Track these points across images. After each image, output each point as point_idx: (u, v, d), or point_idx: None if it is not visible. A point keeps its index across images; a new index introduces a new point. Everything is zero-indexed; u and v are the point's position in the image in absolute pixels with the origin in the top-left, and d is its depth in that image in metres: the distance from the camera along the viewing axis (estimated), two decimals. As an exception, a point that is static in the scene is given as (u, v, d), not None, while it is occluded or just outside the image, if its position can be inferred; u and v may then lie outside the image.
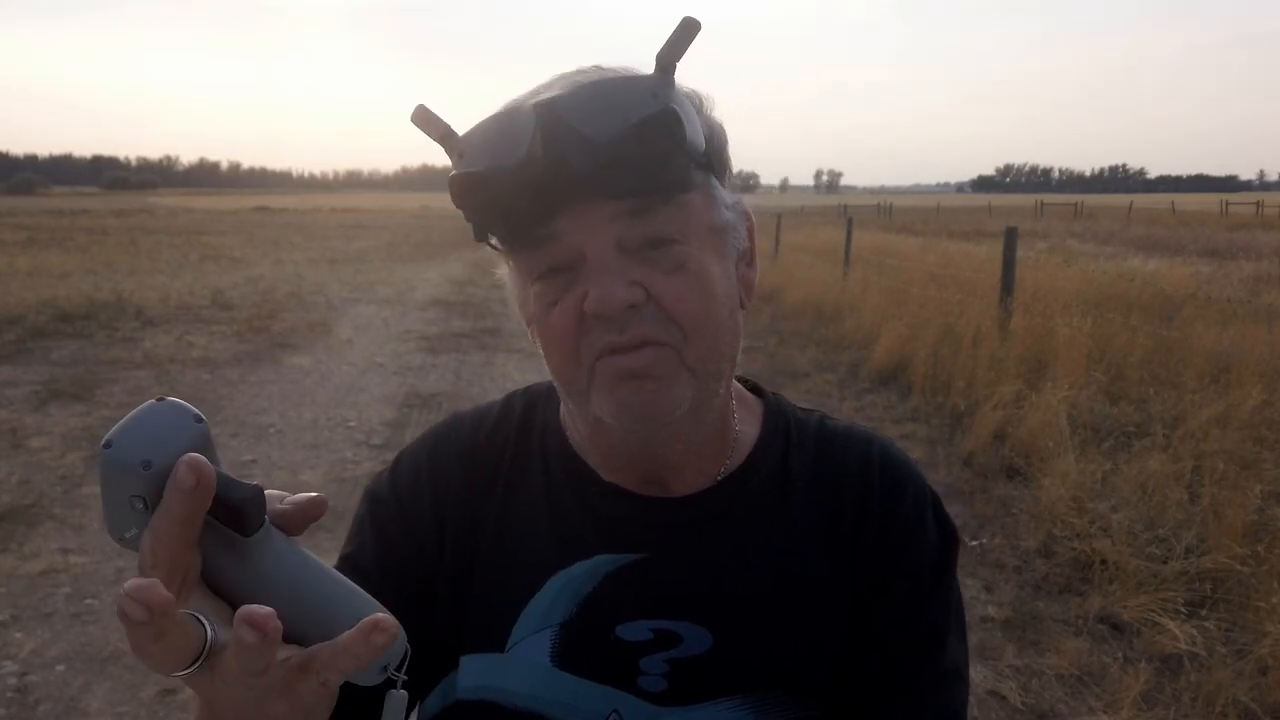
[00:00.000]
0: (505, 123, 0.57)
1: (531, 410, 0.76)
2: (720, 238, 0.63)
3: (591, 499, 0.69)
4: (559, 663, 0.66)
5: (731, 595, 0.66)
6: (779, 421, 0.75)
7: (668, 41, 0.56)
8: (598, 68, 0.61)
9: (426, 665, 0.68)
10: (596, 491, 0.69)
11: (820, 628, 0.67)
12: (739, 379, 0.76)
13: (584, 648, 0.66)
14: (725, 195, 0.64)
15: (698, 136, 0.58)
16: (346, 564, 0.71)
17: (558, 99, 0.55)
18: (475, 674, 0.67)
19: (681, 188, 0.58)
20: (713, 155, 0.61)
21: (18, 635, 3.22)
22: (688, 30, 0.56)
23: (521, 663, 0.66)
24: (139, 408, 0.42)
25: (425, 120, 0.59)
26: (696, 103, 0.61)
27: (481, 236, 0.61)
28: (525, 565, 0.68)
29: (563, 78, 0.61)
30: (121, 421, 0.42)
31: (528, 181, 0.55)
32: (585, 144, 0.54)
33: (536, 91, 0.61)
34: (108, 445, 0.41)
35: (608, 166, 0.54)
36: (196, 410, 0.43)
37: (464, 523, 0.70)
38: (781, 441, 0.73)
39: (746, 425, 0.73)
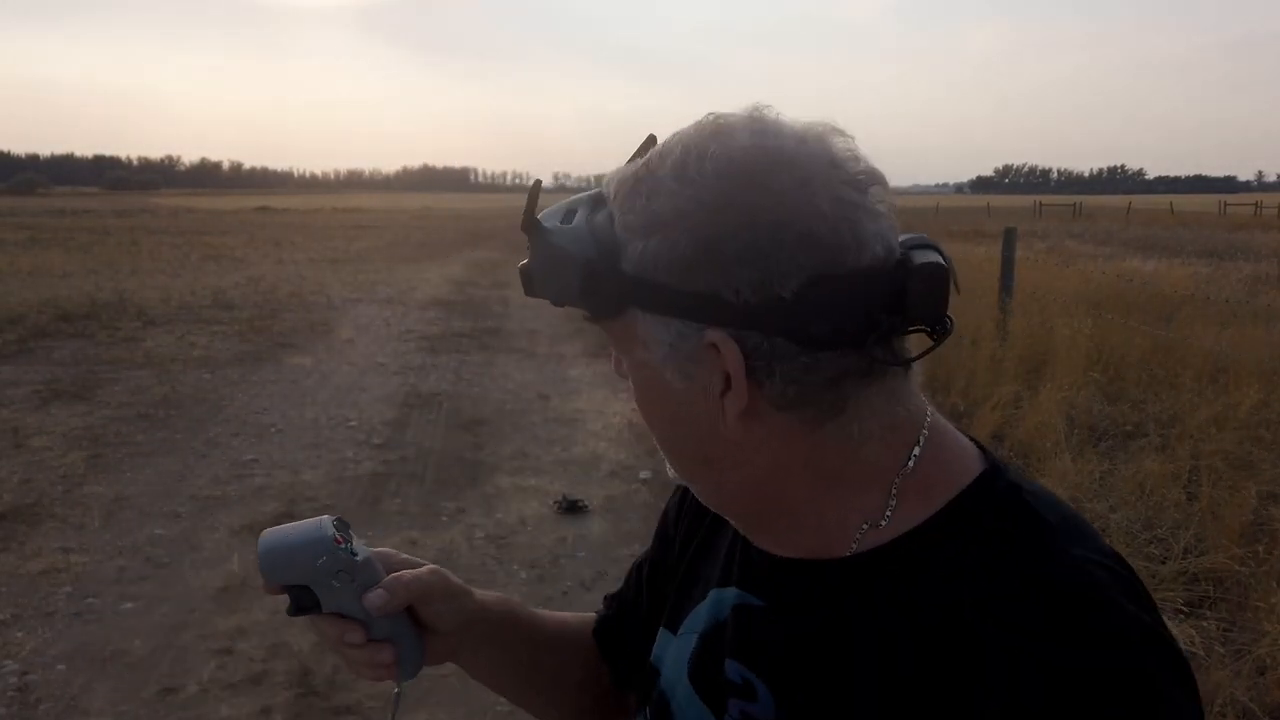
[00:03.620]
0: None
1: None
2: (653, 372, 0.58)
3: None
4: (688, 669, 0.70)
5: (810, 679, 0.60)
6: (964, 519, 0.57)
7: (529, 205, 0.59)
8: (654, 143, 0.60)
9: (649, 634, 0.78)
10: None
11: None
12: (983, 448, 0.64)
13: (704, 665, 0.69)
14: (661, 329, 0.56)
15: (564, 288, 0.58)
16: (643, 558, 0.87)
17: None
18: (659, 644, 0.75)
19: (595, 316, 0.59)
20: (634, 287, 0.55)
21: (19, 634, 3.23)
22: (535, 190, 0.59)
23: (677, 650, 0.72)
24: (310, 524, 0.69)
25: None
26: (626, 230, 0.56)
27: None
28: (705, 574, 0.73)
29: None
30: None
31: None
32: (520, 270, 0.60)
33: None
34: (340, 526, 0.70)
35: (532, 295, 0.61)
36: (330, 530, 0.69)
37: (690, 530, 0.78)
38: (946, 544, 0.57)
39: (907, 510, 0.58)
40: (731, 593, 0.68)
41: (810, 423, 0.56)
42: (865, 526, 0.59)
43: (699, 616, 0.71)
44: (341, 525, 0.69)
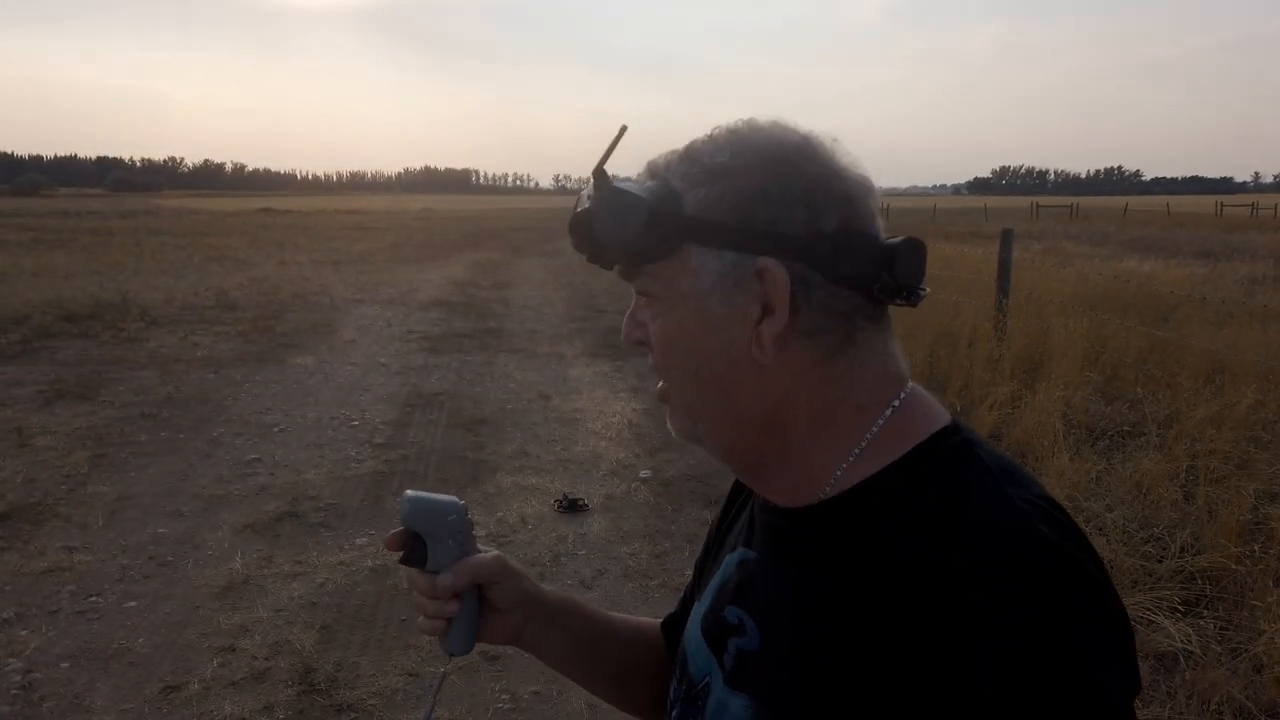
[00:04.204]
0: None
1: None
2: (697, 302, 0.66)
3: (753, 499, 0.78)
4: (702, 625, 0.78)
5: (788, 610, 0.68)
6: (921, 467, 0.65)
7: (605, 151, 0.68)
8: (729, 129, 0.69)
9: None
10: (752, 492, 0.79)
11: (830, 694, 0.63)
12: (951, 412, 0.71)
13: (712, 618, 0.77)
14: (714, 260, 0.65)
15: (625, 229, 0.66)
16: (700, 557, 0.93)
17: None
18: (691, 616, 0.83)
19: (645, 260, 0.67)
20: (694, 225, 0.65)
21: (23, 633, 3.25)
22: (618, 136, 0.69)
23: (697, 612, 0.81)
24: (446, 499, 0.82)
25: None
26: (685, 181, 0.66)
27: None
28: (727, 543, 0.82)
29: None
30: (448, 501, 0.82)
31: None
32: (572, 218, 0.69)
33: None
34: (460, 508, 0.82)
35: (579, 243, 0.70)
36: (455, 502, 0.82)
37: (723, 516, 0.88)
38: (904, 489, 0.64)
39: (877, 454, 0.66)
40: (738, 553, 0.77)
41: (826, 352, 0.66)
42: (839, 473, 0.67)
43: (715, 581, 0.80)
44: (467, 508, 0.85)
